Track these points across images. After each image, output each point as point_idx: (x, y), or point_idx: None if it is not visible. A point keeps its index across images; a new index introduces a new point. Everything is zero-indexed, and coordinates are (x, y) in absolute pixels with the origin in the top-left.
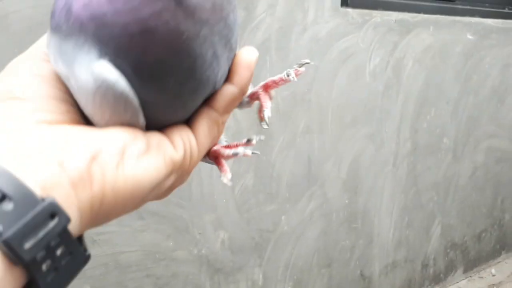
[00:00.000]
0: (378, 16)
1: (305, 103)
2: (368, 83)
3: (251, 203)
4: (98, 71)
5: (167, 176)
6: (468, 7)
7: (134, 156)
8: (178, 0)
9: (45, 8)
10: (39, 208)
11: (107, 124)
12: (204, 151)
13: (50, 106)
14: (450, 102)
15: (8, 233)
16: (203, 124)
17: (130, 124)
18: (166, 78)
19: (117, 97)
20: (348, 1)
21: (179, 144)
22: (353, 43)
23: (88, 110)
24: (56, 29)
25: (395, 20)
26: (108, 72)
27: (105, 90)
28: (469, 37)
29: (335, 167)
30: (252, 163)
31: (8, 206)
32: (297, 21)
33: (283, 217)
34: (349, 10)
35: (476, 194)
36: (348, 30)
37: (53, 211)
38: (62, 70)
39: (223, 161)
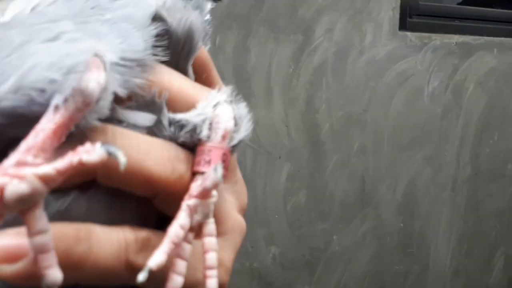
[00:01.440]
0: (438, 39)
1: (360, 123)
2: (427, 105)
3: (303, 221)
4: None
5: None
6: None
7: None
8: None
9: None
10: None
11: None
12: None
13: None
14: None
15: None
16: None
17: None
18: None
19: None
20: (407, 25)
21: None
22: (411, 66)
23: None
24: None
25: (456, 43)
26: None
27: None
28: None
29: (390, 189)
30: (305, 181)
31: None
32: (354, 44)
33: (334, 237)
34: (408, 33)
35: None
36: (406, 52)
37: None
38: None
39: None
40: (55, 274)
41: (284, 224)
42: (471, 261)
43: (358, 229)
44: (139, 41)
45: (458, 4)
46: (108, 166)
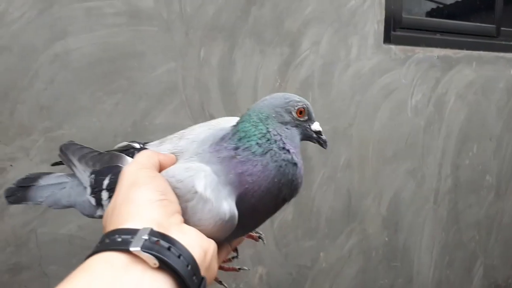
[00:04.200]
0: (421, 52)
1: (346, 137)
2: (410, 118)
3: (290, 238)
4: (232, 207)
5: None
6: (511, 43)
7: (215, 259)
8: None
9: (102, 45)
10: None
11: (208, 228)
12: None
13: (179, 208)
14: (493, 138)
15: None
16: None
17: (219, 235)
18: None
19: (231, 223)
20: (391, 38)
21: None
22: (395, 79)
23: (201, 220)
24: (217, 173)
25: (438, 56)
26: (235, 209)
27: (230, 216)
28: None
29: (375, 203)
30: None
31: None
32: (340, 57)
33: (321, 254)
34: (392, 46)
35: None
36: (390, 66)
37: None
38: (201, 190)
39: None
40: None
41: (271, 242)
42: (452, 272)
43: (345, 245)
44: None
45: (427, 15)
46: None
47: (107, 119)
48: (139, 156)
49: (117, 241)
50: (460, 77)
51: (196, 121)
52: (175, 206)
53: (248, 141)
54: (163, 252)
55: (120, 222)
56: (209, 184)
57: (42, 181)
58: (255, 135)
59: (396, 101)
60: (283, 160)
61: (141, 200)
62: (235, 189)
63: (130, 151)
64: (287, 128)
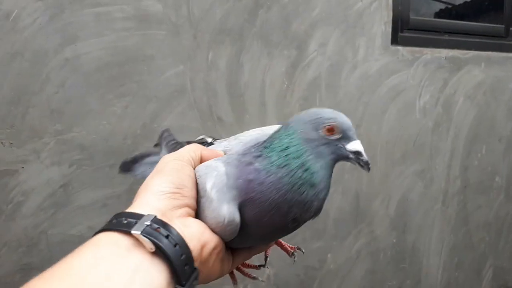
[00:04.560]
0: (429, 53)
1: None
2: (418, 119)
3: (298, 240)
4: (232, 212)
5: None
6: None
7: (214, 255)
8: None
9: (112, 49)
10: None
11: (212, 227)
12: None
13: (191, 202)
14: (503, 139)
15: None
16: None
17: (223, 236)
18: (258, 229)
19: (231, 227)
20: (398, 39)
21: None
22: (403, 80)
23: (207, 217)
24: (228, 175)
25: (446, 57)
26: (236, 214)
27: (229, 221)
28: None
29: (383, 204)
30: None
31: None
32: (347, 59)
33: (329, 255)
34: (399, 48)
35: None
36: (398, 67)
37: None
38: (208, 188)
39: (236, 275)
40: None
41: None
42: (461, 274)
43: (352, 246)
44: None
45: (435, 16)
46: None
47: (117, 121)
48: (184, 148)
49: (122, 223)
50: (469, 78)
51: (204, 124)
52: (187, 200)
53: (270, 151)
54: (160, 239)
55: (132, 205)
56: (216, 184)
57: (147, 159)
58: (277, 147)
59: (404, 102)
60: (300, 178)
61: (154, 190)
62: (240, 195)
63: (203, 144)
64: (312, 147)
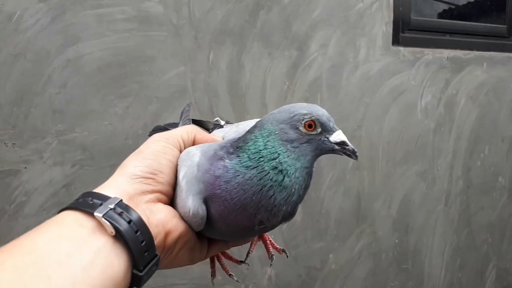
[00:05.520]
0: (430, 53)
1: (355, 139)
2: (420, 120)
3: (299, 240)
4: (196, 205)
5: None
6: None
7: (180, 244)
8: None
9: (113, 50)
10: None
11: (182, 216)
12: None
13: (165, 189)
14: (505, 139)
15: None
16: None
17: (192, 226)
18: (223, 225)
19: (195, 220)
20: (400, 40)
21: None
22: (404, 81)
23: (178, 205)
24: (198, 166)
25: (447, 58)
26: (200, 208)
27: (193, 213)
28: None
29: (385, 205)
30: None
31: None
32: (348, 59)
33: (331, 255)
34: (401, 48)
35: None
36: (399, 67)
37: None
38: (180, 178)
39: (216, 266)
40: None
41: (280, 244)
42: (464, 275)
43: (354, 247)
44: None
45: (439, 17)
46: None
47: (118, 122)
48: (178, 128)
49: (88, 203)
50: (471, 78)
51: None
52: (160, 186)
53: (242, 151)
54: (121, 223)
55: (102, 185)
56: (187, 175)
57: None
58: (251, 149)
59: (405, 103)
60: (270, 180)
61: (128, 171)
62: (207, 189)
63: (215, 126)
64: (293, 147)
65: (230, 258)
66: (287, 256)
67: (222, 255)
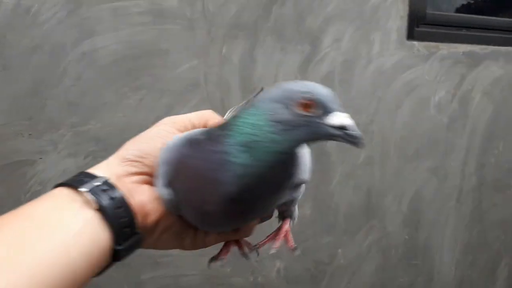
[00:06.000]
0: (445, 48)
1: (367, 134)
2: (433, 115)
3: (308, 234)
4: (161, 191)
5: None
6: None
7: (161, 227)
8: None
9: (127, 44)
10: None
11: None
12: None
13: (153, 172)
14: None
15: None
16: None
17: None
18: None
19: (164, 203)
20: (414, 34)
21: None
22: (418, 75)
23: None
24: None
25: (463, 53)
26: (162, 191)
27: (160, 196)
28: None
29: (395, 201)
30: (311, 192)
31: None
32: (361, 54)
33: (339, 250)
34: (415, 43)
35: None
36: (413, 62)
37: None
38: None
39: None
40: None
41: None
42: (475, 272)
43: (363, 242)
44: None
45: (457, 12)
46: None
47: (132, 114)
48: (192, 113)
49: (79, 180)
50: (487, 74)
51: None
52: (147, 169)
53: (228, 131)
54: (104, 199)
55: (97, 165)
56: (162, 158)
57: None
58: (236, 131)
59: (419, 98)
60: (232, 155)
61: (121, 154)
62: (170, 172)
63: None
64: (284, 130)
65: (240, 247)
66: (258, 255)
67: (235, 243)
